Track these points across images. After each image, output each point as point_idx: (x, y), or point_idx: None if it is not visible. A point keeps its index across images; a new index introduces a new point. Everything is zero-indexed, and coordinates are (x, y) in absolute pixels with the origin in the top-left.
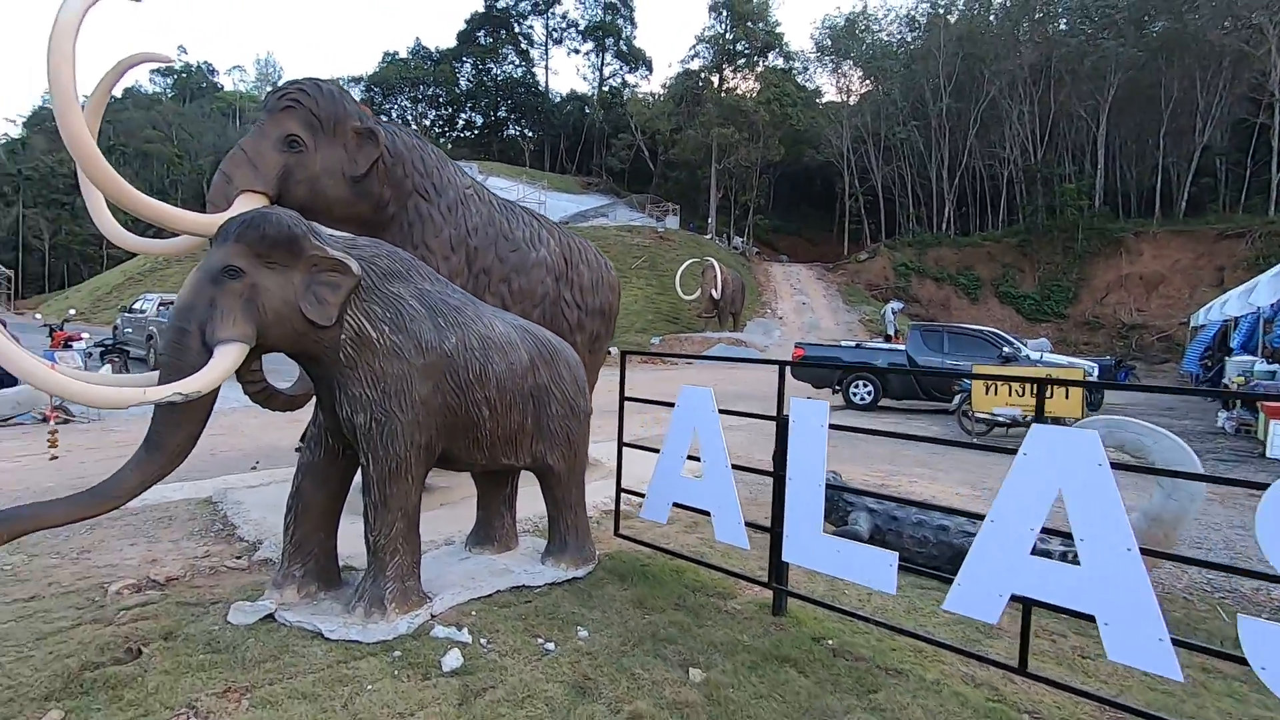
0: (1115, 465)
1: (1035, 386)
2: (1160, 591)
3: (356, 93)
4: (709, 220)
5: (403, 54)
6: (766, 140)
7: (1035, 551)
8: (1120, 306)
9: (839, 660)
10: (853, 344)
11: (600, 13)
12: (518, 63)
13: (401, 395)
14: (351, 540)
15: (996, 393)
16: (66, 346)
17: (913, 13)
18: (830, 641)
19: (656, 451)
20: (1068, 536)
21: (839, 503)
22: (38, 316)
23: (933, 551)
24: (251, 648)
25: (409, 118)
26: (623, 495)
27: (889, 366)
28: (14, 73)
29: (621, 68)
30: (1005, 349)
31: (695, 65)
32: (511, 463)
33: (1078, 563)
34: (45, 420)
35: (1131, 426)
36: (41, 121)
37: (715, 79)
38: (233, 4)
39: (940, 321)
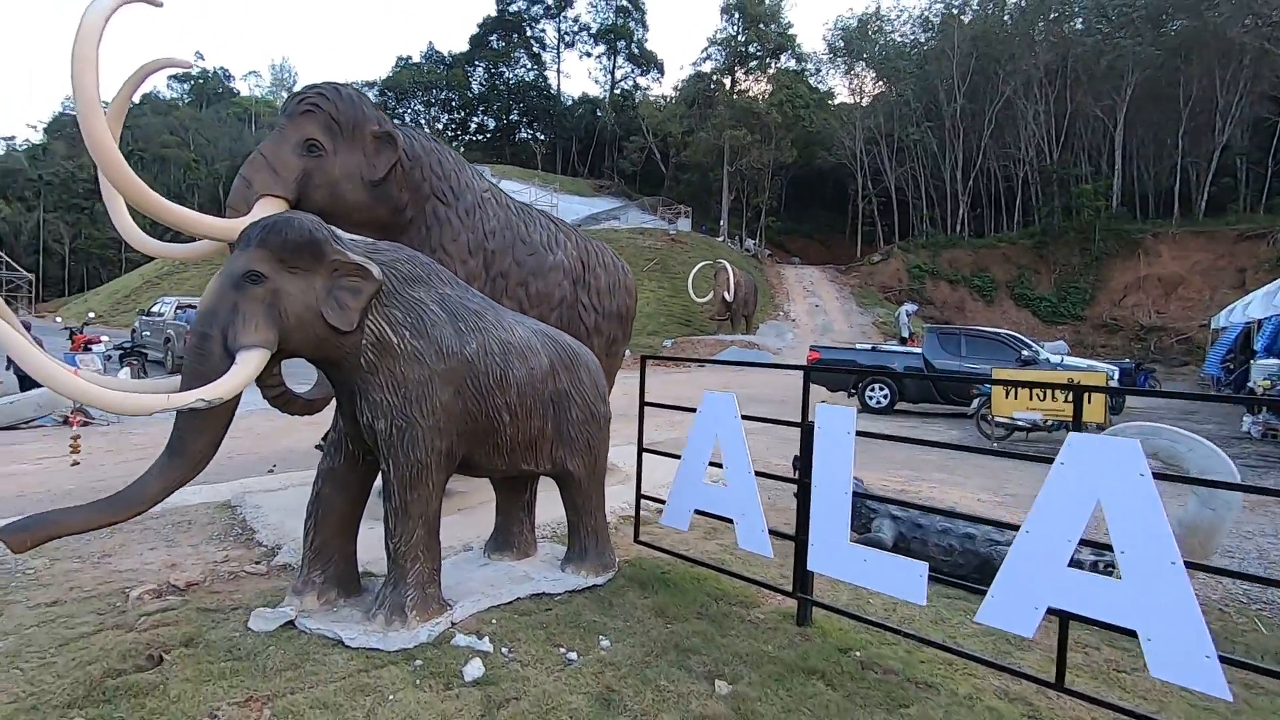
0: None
1: (1069, 394)
2: None
3: (370, 97)
4: (721, 222)
5: (416, 58)
6: (779, 142)
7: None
8: (1138, 308)
9: (868, 673)
10: (868, 347)
11: (612, 16)
12: (530, 66)
13: (422, 401)
14: (369, 546)
15: (1017, 396)
16: (86, 349)
17: (926, 13)
18: (858, 653)
19: (675, 457)
20: (1099, 546)
21: (861, 510)
22: (58, 319)
23: (959, 560)
24: (272, 655)
25: (421, 122)
26: (640, 501)
27: (905, 370)
28: (36, 80)
29: (633, 70)
30: (1024, 352)
31: (707, 67)
32: (531, 468)
33: (1108, 572)
34: (66, 423)
35: (1165, 433)
36: (62, 128)
37: (727, 81)
38: (248, 11)
39: (956, 324)
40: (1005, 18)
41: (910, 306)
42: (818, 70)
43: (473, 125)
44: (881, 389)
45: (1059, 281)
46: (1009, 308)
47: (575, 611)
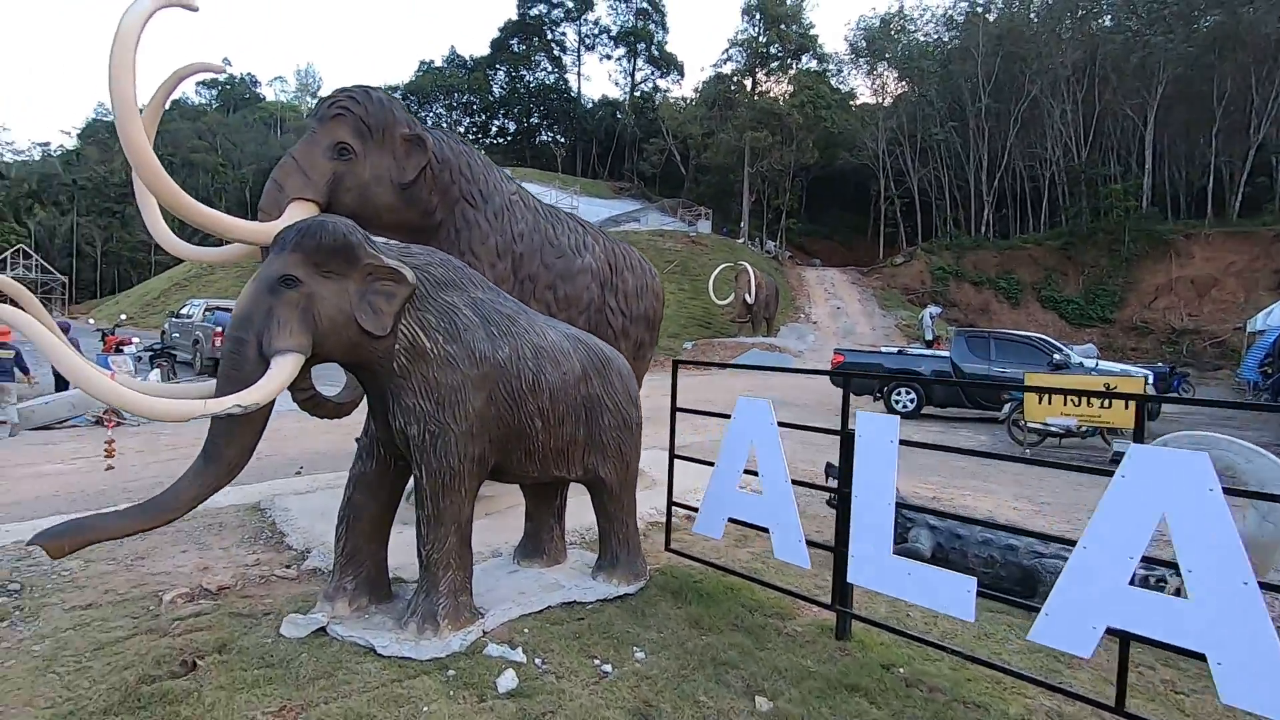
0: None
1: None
2: None
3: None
4: (741, 224)
5: (438, 62)
6: (800, 143)
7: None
8: (1170, 311)
9: (913, 691)
10: (894, 350)
11: (632, 18)
12: (550, 69)
13: (455, 406)
14: (398, 550)
15: (1050, 401)
16: (118, 351)
17: (950, 12)
18: (901, 669)
19: (706, 463)
20: (1151, 561)
21: (896, 518)
22: (90, 321)
23: (1000, 572)
24: (305, 663)
25: (443, 125)
26: (670, 508)
27: (934, 374)
28: (70, 86)
29: (653, 73)
30: (1055, 356)
31: (728, 69)
32: (563, 475)
33: (1159, 587)
34: (99, 423)
35: (1222, 443)
36: (95, 133)
37: (748, 82)
38: (274, 17)
39: (983, 327)
40: (1031, 16)
41: (934, 309)
42: (839, 70)
43: (493, 128)
44: (908, 393)
45: (1087, 283)
46: (1035, 310)
47: (608, 621)
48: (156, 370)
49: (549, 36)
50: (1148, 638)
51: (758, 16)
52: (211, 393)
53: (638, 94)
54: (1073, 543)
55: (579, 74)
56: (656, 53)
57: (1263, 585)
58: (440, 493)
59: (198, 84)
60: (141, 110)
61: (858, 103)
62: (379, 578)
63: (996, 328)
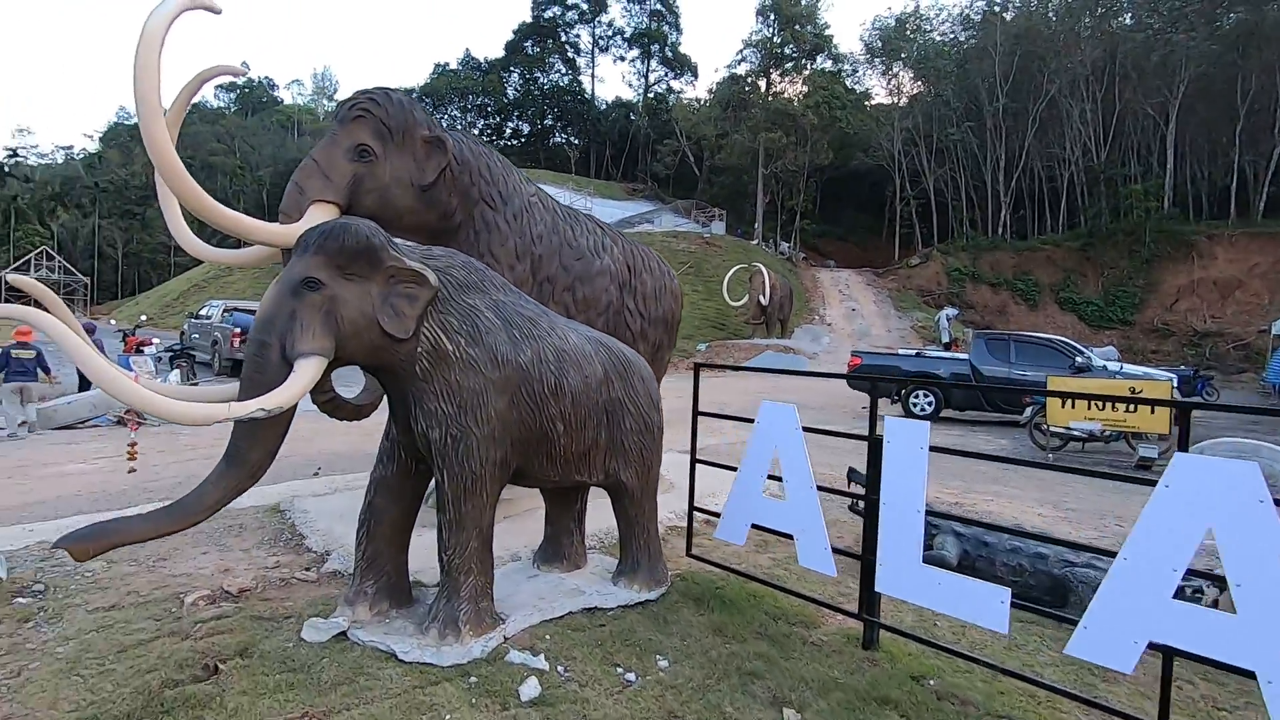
0: None
1: (1179, 411)
2: None
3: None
4: (755, 225)
5: (453, 65)
6: (814, 144)
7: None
8: (1192, 313)
9: (944, 704)
10: (912, 352)
11: (646, 20)
12: (564, 71)
13: (477, 410)
14: (418, 554)
15: (1074, 406)
16: (139, 351)
17: (967, 11)
18: (931, 681)
19: (728, 468)
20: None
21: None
22: (112, 322)
23: (1029, 581)
24: (326, 668)
25: (458, 127)
26: (691, 513)
27: (953, 377)
28: (93, 90)
29: (667, 74)
30: (1077, 359)
31: (742, 70)
32: (584, 479)
33: (1196, 599)
34: (120, 423)
35: (1264, 451)
36: (117, 137)
37: (762, 83)
38: (291, 21)
39: (1001, 329)
40: (1049, 14)
41: (950, 311)
42: (855, 71)
43: (507, 130)
44: (926, 396)
45: (1107, 285)
46: (1053, 312)
47: (629, 628)
48: (176, 371)
49: (563, 38)
50: (1193, 654)
51: (772, 17)
52: (235, 396)
53: (651, 95)
54: (1105, 552)
55: (593, 75)
56: (670, 54)
57: None
58: (462, 497)
59: (216, 87)
60: (164, 112)
61: (873, 103)
62: (400, 582)
63: (1015, 330)
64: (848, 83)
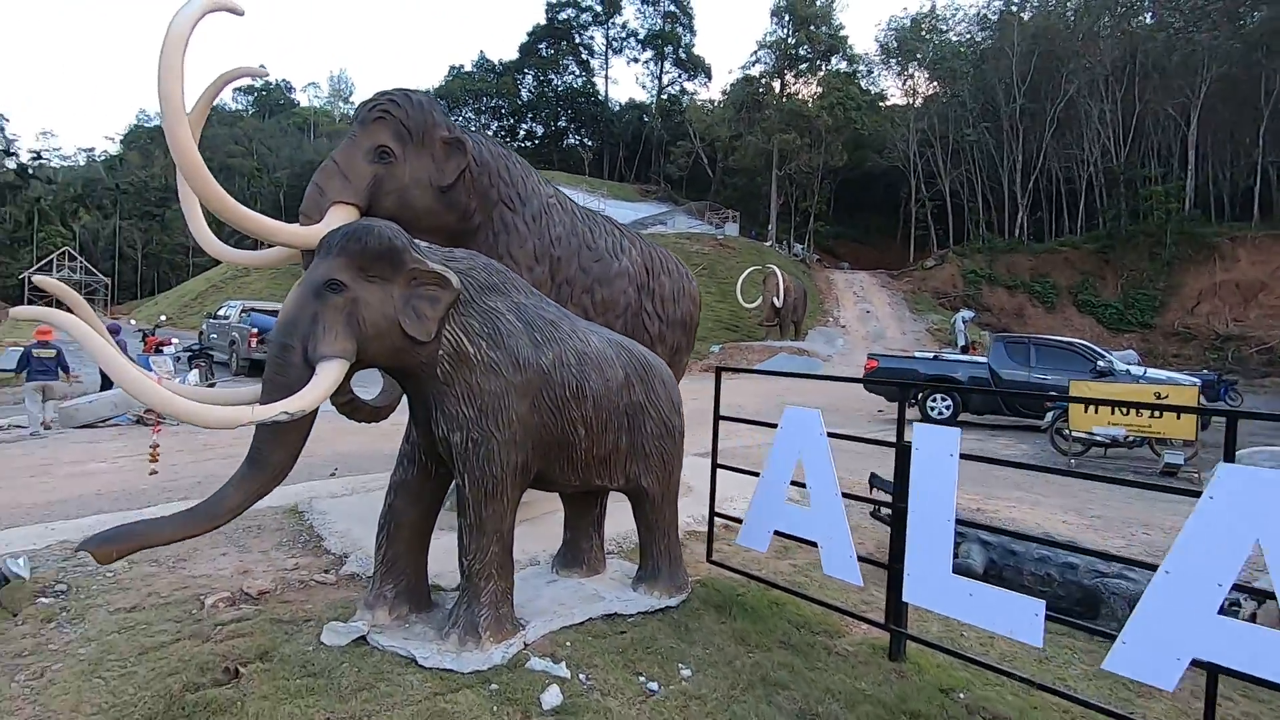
0: None
1: (1226, 422)
2: None
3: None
4: (769, 227)
5: (467, 67)
6: (829, 145)
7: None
8: (1214, 316)
9: (975, 719)
10: (930, 355)
11: (660, 22)
12: (578, 73)
13: (499, 413)
14: (436, 557)
15: (1097, 410)
16: (158, 351)
17: (984, 11)
18: (962, 695)
19: (749, 474)
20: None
21: None
22: (132, 322)
23: (1059, 592)
24: (346, 674)
25: (472, 129)
26: (711, 518)
27: (970, 381)
28: (114, 93)
29: (680, 75)
30: (1099, 363)
31: (756, 71)
32: (605, 484)
33: (1233, 612)
34: (140, 422)
35: None
36: (137, 139)
37: (776, 84)
38: (308, 24)
39: (1018, 332)
40: (1068, 14)
41: (967, 313)
42: (869, 72)
43: (521, 132)
44: (944, 400)
45: (1126, 287)
46: (1071, 314)
47: (650, 635)
48: (195, 371)
49: (577, 40)
50: (1240, 672)
51: (787, 18)
52: (258, 398)
53: (665, 97)
54: (1137, 563)
55: (606, 77)
56: (684, 55)
57: None
58: (483, 502)
59: (235, 90)
60: (188, 113)
61: (888, 104)
62: (419, 586)
63: (1032, 332)
64: (862, 84)
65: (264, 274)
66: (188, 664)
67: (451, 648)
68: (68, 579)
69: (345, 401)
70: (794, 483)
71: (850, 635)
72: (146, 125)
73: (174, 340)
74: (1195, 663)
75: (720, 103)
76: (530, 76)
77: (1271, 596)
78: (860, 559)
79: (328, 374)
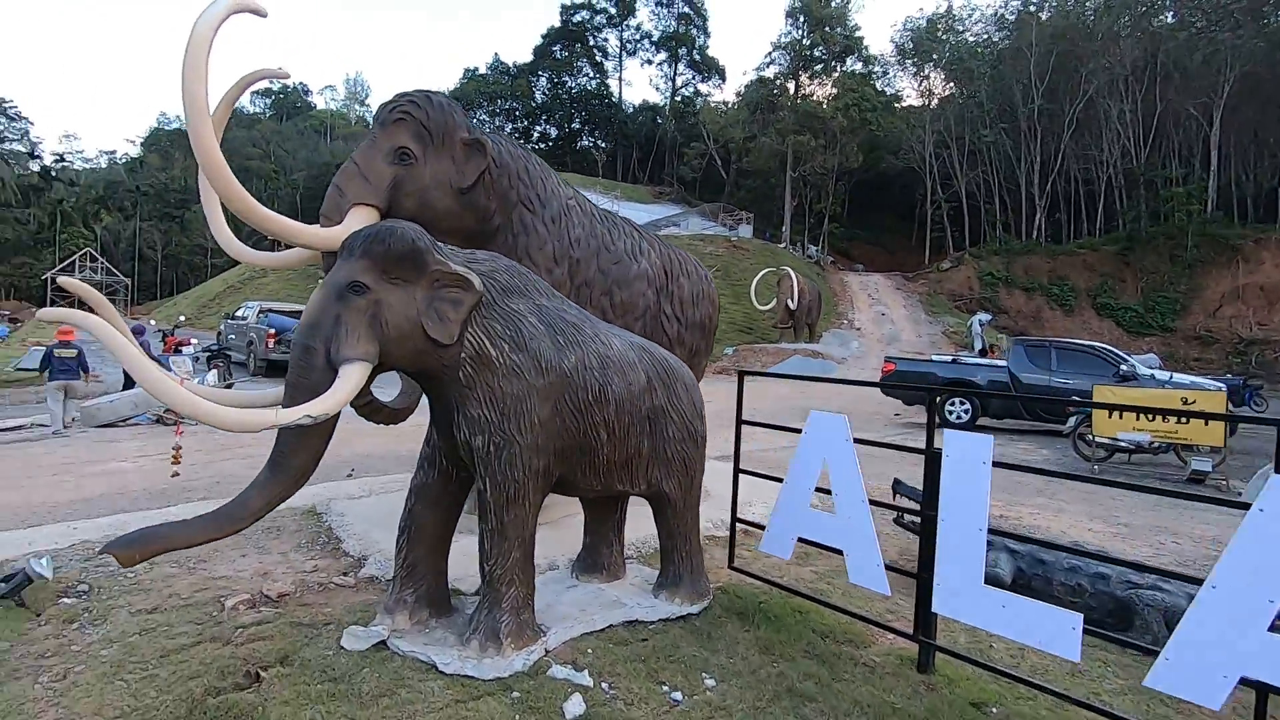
0: None
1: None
2: None
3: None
4: (783, 229)
5: (482, 69)
6: (843, 147)
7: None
8: (1237, 319)
9: None
10: (948, 358)
11: (674, 23)
12: (592, 75)
13: (521, 417)
14: (455, 561)
15: (1121, 415)
16: (178, 351)
17: (1001, 11)
18: (994, 709)
19: (773, 479)
20: None
21: None
22: (152, 322)
23: (1090, 603)
24: (367, 679)
25: (487, 130)
26: (734, 524)
27: (989, 384)
28: (136, 96)
29: (694, 77)
30: (1122, 367)
31: (770, 72)
32: (626, 489)
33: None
34: (160, 421)
35: None
36: (157, 141)
37: (791, 85)
38: (325, 27)
39: (1036, 335)
40: (1087, 14)
41: (984, 316)
42: (885, 73)
43: (535, 133)
44: (962, 404)
45: (1146, 290)
46: (1090, 317)
47: (673, 643)
48: (213, 371)
49: (591, 42)
50: None
51: (802, 19)
52: (279, 400)
53: (679, 98)
54: (1172, 574)
55: (620, 79)
56: (698, 57)
57: None
58: (504, 506)
59: (252, 93)
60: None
61: (903, 105)
62: (439, 590)
63: (1051, 336)
64: (878, 85)
65: (280, 275)
66: (209, 667)
67: (472, 654)
68: (90, 579)
69: (365, 404)
70: (817, 489)
71: (876, 645)
72: (167, 128)
73: (193, 340)
74: (1244, 681)
75: (734, 104)
76: (544, 79)
77: None
78: (887, 567)
79: (351, 377)
